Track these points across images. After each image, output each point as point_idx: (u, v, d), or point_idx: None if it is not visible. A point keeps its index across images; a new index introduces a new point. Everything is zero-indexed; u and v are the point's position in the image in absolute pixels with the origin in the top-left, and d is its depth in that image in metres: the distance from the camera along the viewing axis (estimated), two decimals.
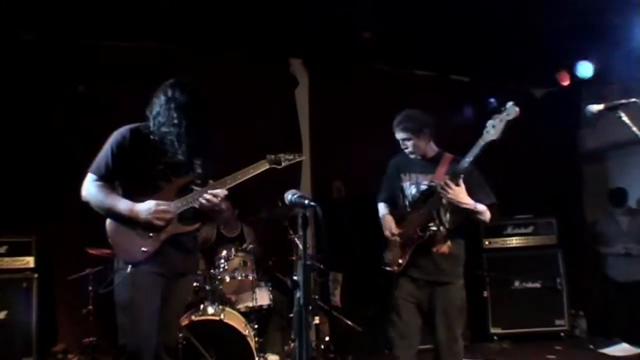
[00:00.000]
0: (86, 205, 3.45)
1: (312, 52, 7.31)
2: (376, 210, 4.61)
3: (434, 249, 3.98)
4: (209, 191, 3.44)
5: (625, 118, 2.96)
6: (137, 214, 3.34)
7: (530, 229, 7.29)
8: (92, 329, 5.46)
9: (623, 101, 2.99)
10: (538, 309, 6.97)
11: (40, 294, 5.68)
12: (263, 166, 3.63)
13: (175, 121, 3.43)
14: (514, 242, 7.26)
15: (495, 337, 6.93)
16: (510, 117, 3.74)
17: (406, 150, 4.16)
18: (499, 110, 3.79)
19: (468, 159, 3.71)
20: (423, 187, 4.06)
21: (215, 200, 3.44)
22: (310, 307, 5.42)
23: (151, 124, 3.48)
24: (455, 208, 3.86)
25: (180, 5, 5.83)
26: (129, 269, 3.34)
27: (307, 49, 7.26)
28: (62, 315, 6.04)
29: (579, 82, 7.41)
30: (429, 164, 4.11)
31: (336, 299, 6.04)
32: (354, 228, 6.94)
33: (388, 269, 4.21)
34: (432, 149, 4.18)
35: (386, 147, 7.44)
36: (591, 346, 6.62)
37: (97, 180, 3.41)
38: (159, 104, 3.49)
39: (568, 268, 7.12)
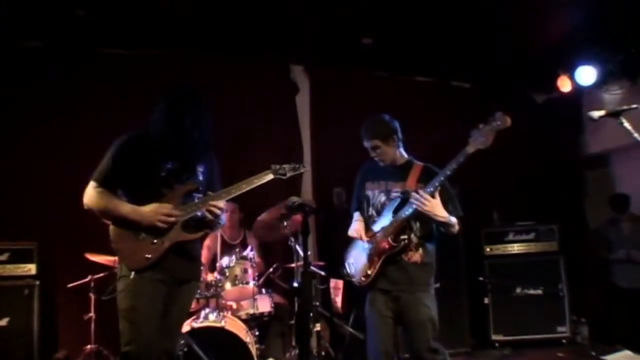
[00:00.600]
0: (87, 212, 3.45)
1: (313, 58, 7.32)
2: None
3: (406, 258, 3.88)
4: (211, 202, 3.44)
5: (626, 124, 2.97)
6: (141, 216, 3.35)
7: (531, 236, 7.27)
8: (94, 336, 5.44)
9: (625, 107, 2.99)
10: (540, 315, 6.95)
11: (41, 301, 5.66)
12: (267, 176, 3.63)
13: (176, 128, 3.45)
14: (516, 248, 7.25)
15: (496, 344, 6.90)
16: (501, 127, 3.68)
17: (375, 158, 4.06)
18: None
19: (450, 167, 3.64)
20: (394, 194, 3.96)
21: (217, 211, 3.45)
22: (311, 314, 5.47)
23: (152, 131, 3.50)
24: (427, 219, 3.79)
25: (181, 12, 5.84)
26: (132, 275, 3.34)
27: (308, 56, 7.27)
28: (64, 322, 6.02)
29: (580, 87, 7.41)
30: (399, 171, 4.03)
31: (337, 305, 6.01)
32: None
33: (353, 280, 4.09)
34: (402, 156, 4.10)
35: None
36: (593, 353, 6.58)
37: (98, 186, 3.42)
38: (159, 111, 3.51)
39: (570, 274, 7.10)
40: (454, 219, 3.79)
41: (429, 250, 3.95)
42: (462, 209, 3.98)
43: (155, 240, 3.38)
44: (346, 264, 4.19)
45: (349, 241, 4.24)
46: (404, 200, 3.82)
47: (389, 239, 3.84)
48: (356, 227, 4.13)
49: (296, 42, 6.84)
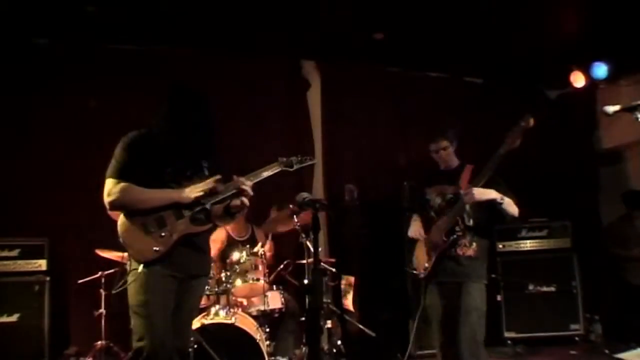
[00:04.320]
0: (97, 208, 3.44)
1: (324, 53, 7.29)
2: (389, 212, 5.28)
3: (460, 252, 4.23)
4: (244, 181, 3.46)
5: None
6: (181, 192, 3.40)
7: (544, 232, 7.21)
8: (104, 332, 5.45)
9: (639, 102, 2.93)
10: (553, 313, 6.90)
11: (52, 296, 5.67)
12: (275, 168, 3.63)
13: (179, 125, 3.48)
14: (529, 245, 7.19)
15: (509, 342, 6.86)
16: (525, 127, 3.98)
17: (441, 161, 4.45)
18: None
19: (486, 170, 4.04)
20: (449, 196, 4.32)
21: (248, 189, 3.47)
22: (322, 311, 5.45)
23: (157, 128, 3.53)
24: (479, 207, 4.17)
25: (192, 8, 5.83)
26: (140, 268, 3.33)
27: (320, 51, 7.24)
28: (74, 318, 6.04)
29: (594, 83, 7.34)
30: (452, 175, 4.39)
31: (348, 303, 5.99)
32: (366, 231, 6.91)
33: (415, 272, 4.51)
34: (456, 159, 4.49)
35: (399, 149, 7.50)
36: (606, 351, 6.53)
37: (120, 181, 3.38)
38: (163, 110, 3.53)
39: (583, 271, 7.04)
40: (507, 199, 4.12)
41: (481, 245, 4.29)
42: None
43: (163, 234, 3.37)
44: (411, 260, 4.59)
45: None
46: (457, 201, 4.20)
47: (442, 235, 4.23)
48: (415, 227, 4.53)
49: (307, 38, 6.81)
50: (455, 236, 4.21)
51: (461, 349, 4.08)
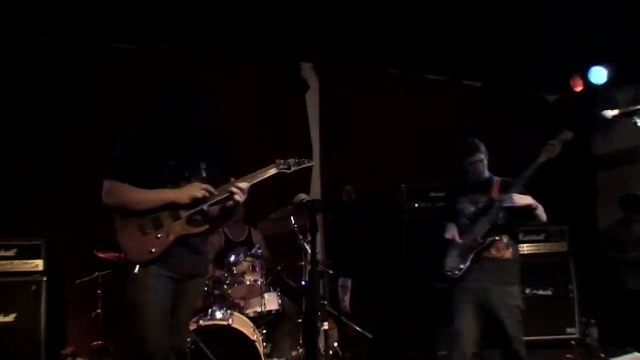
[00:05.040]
0: (95, 208, 3.44)
1: (323, 56, 7.29)
2: (387, 214, 5.62)
3: (499, 255, 4.56)
4: (237, 184, 3.46)
5: None
6: (179, 192, 3.41)
7: (542, 236, 7.21)
8: (101, 332, 5.45)
9: (639, 107, 2.94)
10: (549, 317, 6.90)
11: (49, 297, 5.64)
12: (271, 171, 3.62)
13: (179, 124, 3.50)
14: (526, 249, 7.16)
15: None
16: (565, 140, 4.47)
17: (473, 172, 4.70)
18: None
19: (526, 176, 4.43)
20: (481, 204, 4.65)
21: (242, 194, 3.47)
22: (319, 313, 5.44)
23: (156, 127, 3.54)
24: (513, 213, 4.51)
25: (190, 9, 5.83)
26: (137, 270, 3.33)
27: (318, 53, 7.24)
28: (71, 318, 6.03)
29: (593, 88, 7.35)
30: (483, 185, 4.72)
31: (346, 305, 5.99)
32: (364, 233, 6.92)
33: (449, 273, 4.70)
34: (487, 171, 4.78)
35: (397, 151, 7.51)
36: (603, 355, 6.53)
37: (119, 182, 3.40)
38: (162, 107, 3.55)
39: (580, 276, 7.04)
40: (541, 206, 4.53)
41: (515, 248, 4.67)
42: None
43: (160, 235, 3.37)
44: (444, 263, 4.77)
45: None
46: (491, 207, 4.55)
47: (478, 238, 4.52)
48: (451, 231, 4.77)
49: (306, 40, 6.81)
50: (492, 239, 4.51)
51: (515, 347, 4.47)
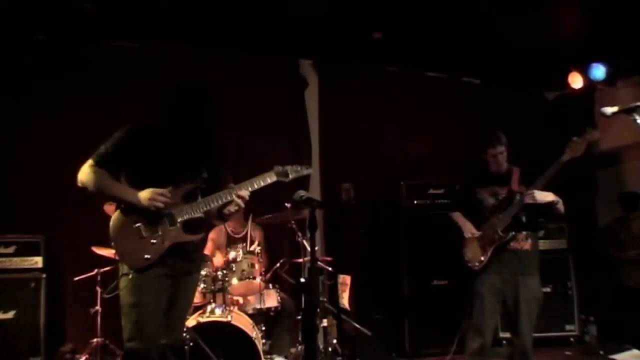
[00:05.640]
0: (94, 205, 3.44)
1: (322, 52, 7.28)
2: (386, 211, 5.62)
3: (519, 246, 4.67)
4: (239, 192, 3.47)
5: (639, 121, 2.91)
6: (137, 197, 3.32)
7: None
8: (100, 329, 5.44)
9: (638, 103, 2.93)
10: (548, 314, 6.83)
11: (48, 294, 5.65)
12: (270, 178, 3.61)
13: (182, 125, 3.49)
14: None
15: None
16: (591, 139, 4.49)
17: (493, 164, 4.82)
18: None
19: (550, 172, 4.50)
20: (502, 196, 4.74)
21: (243, 199, 3.48)
22: (318, 310, 5.45)
23: (160, 126, 3.52)
24: (533, 207, 4.60)
25: (189, 5, 5.82)
26: (131, 275, 3.33)
27: (317, 50, 7.24)
28: (70, 315, 6.02)
29: (592, 84, 7.35)
30: (503, 177, 4.81)
31: (344, 302, 6.00)
32: (363, 230, 6.92)
33: (469, 265, 4.83)
34: (506, 163, 4.88)
35: (396, 148, 7.51)
36: (601, 352, 6.55)
37: (94, 165, 3.40)
38: (171, 105, 3.52)
39: (579, 273, 7.05)
40: (560, 200, 4.67)
41: (534, 240, 4.79)
42: None
43: (154, 240, 3.35)
44: (463, 255, 4.91)
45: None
46: (511, 200, 4.64)
47: (499, 231, 4.62)
48: (468, 226, 4.90)
49: (305, 36, 6.80)
50: (514, 232, 4.62)
51: (523, 339, 4.65)
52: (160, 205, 3.33)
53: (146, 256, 3.32)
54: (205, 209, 3.48)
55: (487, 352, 4.73)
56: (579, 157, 4.47)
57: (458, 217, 5.04)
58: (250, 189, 3.52)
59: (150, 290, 3.32)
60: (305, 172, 3.76)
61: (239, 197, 3.46)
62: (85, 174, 3.40)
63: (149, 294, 3.32)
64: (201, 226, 3.59)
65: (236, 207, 3.52)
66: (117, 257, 3.52)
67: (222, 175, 3.72)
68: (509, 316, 4.79)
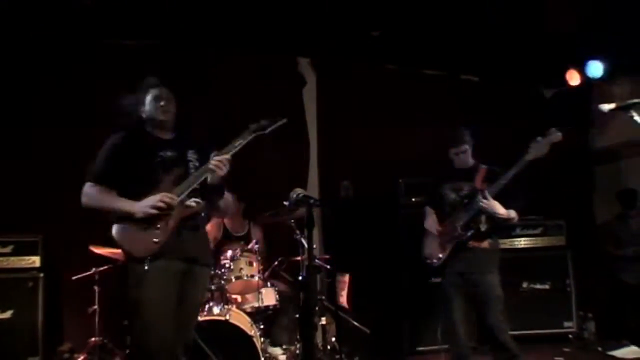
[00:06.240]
0: (98, 214, 3.45)
1: (320, 50, 7.28)
2: (385, 209, 5.73)
3: (477, 245, 4.61)
4: (217, 157, 3.47)
5: (637, 118, 2.91)
6: (134, 206, 3.37)
7: (539, 230, 7.21)
8: (98, 328, 5.43)
9: (635, 100, 2.93)
10: (546, 310, 6.90)
11: (46, 293, 5.64)
12: (248, 135, 3.61)
13: (160, 115, 3.65)
14: (523, 243, 7.19)
15: None
16: (554, 140, 4.39)
17: (457, 161, 4.80)
18: None
19: (511, 173, 4.40)
20: (464, 192, 4.69)
21: (222, 165, 3.46)
22: (316, 308, 5.45)
23: (142, 122, 3.67)
24: (490, 216, 4.53)
25: (186, 4, 5.80)
26: (147, 267, 3.32)
27: (315, 48, 7.23)
28: (68, 314, 6.01)
29: (589, 81, 7.35)
30: (468, 173, 4.75)
31: (343, 299, 6.00)
32: (361, 228, 6.91)
33: (427, 260, 4.84)
34: (471, 159, 4.84)
35: (394, 146, 7.50)
36: (600, 349, 6.56)
37: (95, 185, 3.48)
38: (144, 101, 3.69)
39: (577, 270, 7.04)
40: (513, 213, 4.53)
41: (495, 238, 4.73)
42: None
43: (159, 225, 3.37)
44: (423, 250, 4.92)
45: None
46: (472, 197, 4.57)
47: (459, 228, 4.59)
48: (429, 220, 4.94)
49: (303, 35, 6.79)
50: (472, 231, 4.56)
51: (497, 334, 4.49)
52: (157, 212, 3.36)
53: (155, 240, 3.34)
54: (196, 181, 3.50)
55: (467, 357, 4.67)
56: (546, 156, 4.39)
57: (429, 212, 5.04)
58: (232, 151, 3.52)
59: (159, 287, 3.33)
60: (280, 121, 3.79)
61: (219, 161, 3.46)
62: (87, 196, 3.50)
63: (158, 290, 3.33)
64: (200, 196, 3.60)
65: (221, 172, 3.49)
66: (124, 258, 3.52)
67: (210, 150, 3.71)
68: (477, 315, 4.69)
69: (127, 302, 3.36)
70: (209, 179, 3.54)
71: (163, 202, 3.35)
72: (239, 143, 3.56)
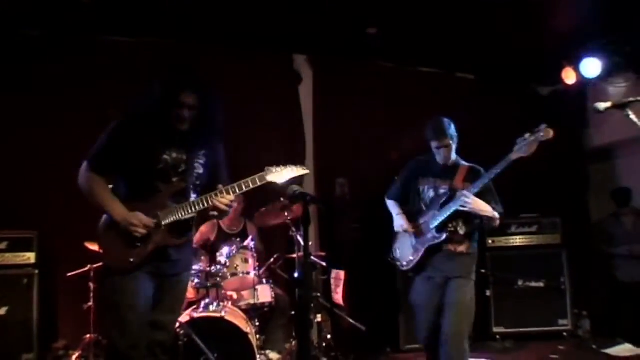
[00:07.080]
0: (87, 202, 3.41)
1: (317, 48, 7.27)
2: (380, 207, 4.79)
3: (452, 248, 4.27)
4: (221, 199, 3.34)
5: (633, 116, 2.91)
6: (121, 218, 3.28)
7: (534, 228, 7.23)
8: (93, 325, 5.42)
9: (631, 99, 2.93)
10: (541, 308, 6.93)
11: (41, 290, 5.64)
12: (260, 180, 3.43)
13: (171, 108, 3.34)
14: (518, 241, 7.21)
15: (497, 337, 6.89)
16: (544, 138, 4.04)
17: (439, 157, 4.37)
18: None
19: (493, 172, 4.10)
20: (442, 191, 4.34)
21: (223, 207, 3.35)
22: (312, 305, 5.44)
23: (149, 119, 3.38)
24: (472, 215, 4.21)
25: (184, 1, 5.79)
26: (114, 277, 3.30)
27: (312, 45, 7.22)
28: (63, 311, 6.01)
29: (585, 80, 7.35)
30: (448, 171, 4.38)
31: (338, 297, 6.00)
32: (357, 225, 6.91)
33: (397, 263, 4.54)
34: (454, 156, 4.42)
35: (390, 143, 7.50)
36: (594, 346, 6.57)
37: (91, 171, 3.35)
38: (154, 90, 3.38)
39: (572, 268, 7.07)
40: (497, 213, 4.20)
41: (473, 242, 4.35)
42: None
43: (139, 243, 3.30)
44: (392, 250, 4.60)
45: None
46: (451, 197, 4.24)
47: (433, 230, 4.26)
48: (401, 222, 4.47)
49: (299, 32, 6.79)
50: (447, 234, 4.23)
51: (446, 343, 4.11)
52: (137, 235, 3.28)
53: (131, 259, 3.28)
54: (191, 211, 3.37)
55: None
56: (531, 156, 4.07)
57: (393, 206, 4.64)
58: (238, 191, 3.38)
59: (132, 292, 3.27)
60: (300, 172, 3.58)
61: (222, 203, 3.34)
62: (83, 177, 3.38)
63: (131, 296, 3.27)
64: (188, 228, 3.51)
65: (215, 213, 3.40)
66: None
67: (221, 172, 3.60)
68: (434, 320, 4.28)
69: (101, 298, 3.35)
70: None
71: (144, 227, 3.27)
72: (249, 185, 3.40)
